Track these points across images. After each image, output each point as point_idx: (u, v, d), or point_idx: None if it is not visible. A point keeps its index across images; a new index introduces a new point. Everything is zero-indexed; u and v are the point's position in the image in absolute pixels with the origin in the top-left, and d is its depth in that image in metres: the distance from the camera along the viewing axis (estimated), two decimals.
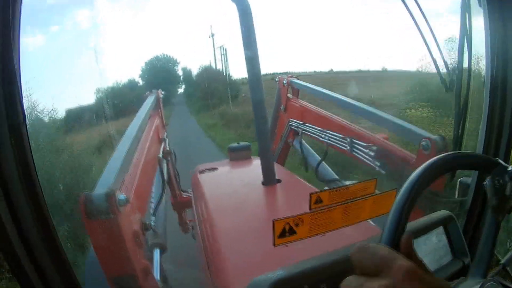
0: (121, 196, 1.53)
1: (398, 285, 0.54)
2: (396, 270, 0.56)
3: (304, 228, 1.14)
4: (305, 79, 3.64)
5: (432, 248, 1.29)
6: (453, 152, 0.95)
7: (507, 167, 0.97)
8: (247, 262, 1.47)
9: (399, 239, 0.73)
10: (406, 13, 1.68)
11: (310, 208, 1.13)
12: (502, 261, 1.35)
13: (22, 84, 1.04)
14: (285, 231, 1.12)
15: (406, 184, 0.82)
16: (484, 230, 1.01)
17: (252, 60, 2.08)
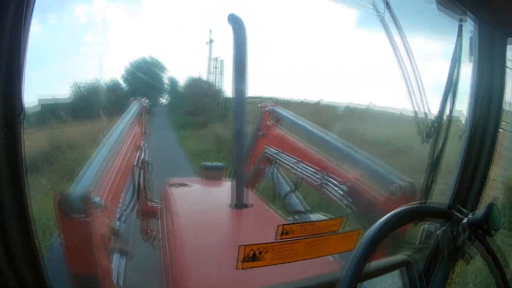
0: (96, 199, 1.55)
1: None
2: None
3: (268, 256, 1.16)
4: (294, 107, 3.67)
5: None
6: (409, 205, 1.01)
7: (462, 219, 1.03)
8: (209, 281, 1.49)
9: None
10: (395, 58, 1.74)
11: (276, 238, 1.17)
12: None
13: (25, 75, 1.00)
14: (249, 257, 1.15)
15: (358, 248, 0.87)
16: (433, 278, 1.06)
17: (240, 87, 2.13)
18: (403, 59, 1.76)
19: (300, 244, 1.20)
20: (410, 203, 1.05)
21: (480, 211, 1.03)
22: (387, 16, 1.77)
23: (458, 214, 1.04)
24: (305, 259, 1.24)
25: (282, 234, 1.16)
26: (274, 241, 1.16)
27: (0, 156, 0.99)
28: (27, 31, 1.00)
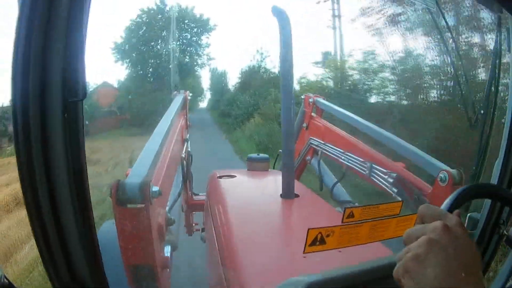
0: (154, 188, 1.59)
1: (452, 226, 0.70)
2: (451, 217, 0.74)
3: (333, 239, 1.21)
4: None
5: None
6: (485, 183, 1.05)
7: None
8: (271, 269, 1.52)
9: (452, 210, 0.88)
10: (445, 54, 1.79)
11: (342, 221, 1.21)
12: None
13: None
14: (316, 240, 1.20)
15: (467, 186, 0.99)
16: (507, 261, 1.08)
17: (286, 77, 2.16)
18: (452, 54, 1.79)
19: (363, 227, 1.25)
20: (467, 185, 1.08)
21: None
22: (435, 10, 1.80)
23: None
24: (368, 243, 1.29)
25: (348, 217, 1.21)
26: (340, 224, 1.21)
27: (60, 144, 0.94)
28: (88, 7, 0.94)
